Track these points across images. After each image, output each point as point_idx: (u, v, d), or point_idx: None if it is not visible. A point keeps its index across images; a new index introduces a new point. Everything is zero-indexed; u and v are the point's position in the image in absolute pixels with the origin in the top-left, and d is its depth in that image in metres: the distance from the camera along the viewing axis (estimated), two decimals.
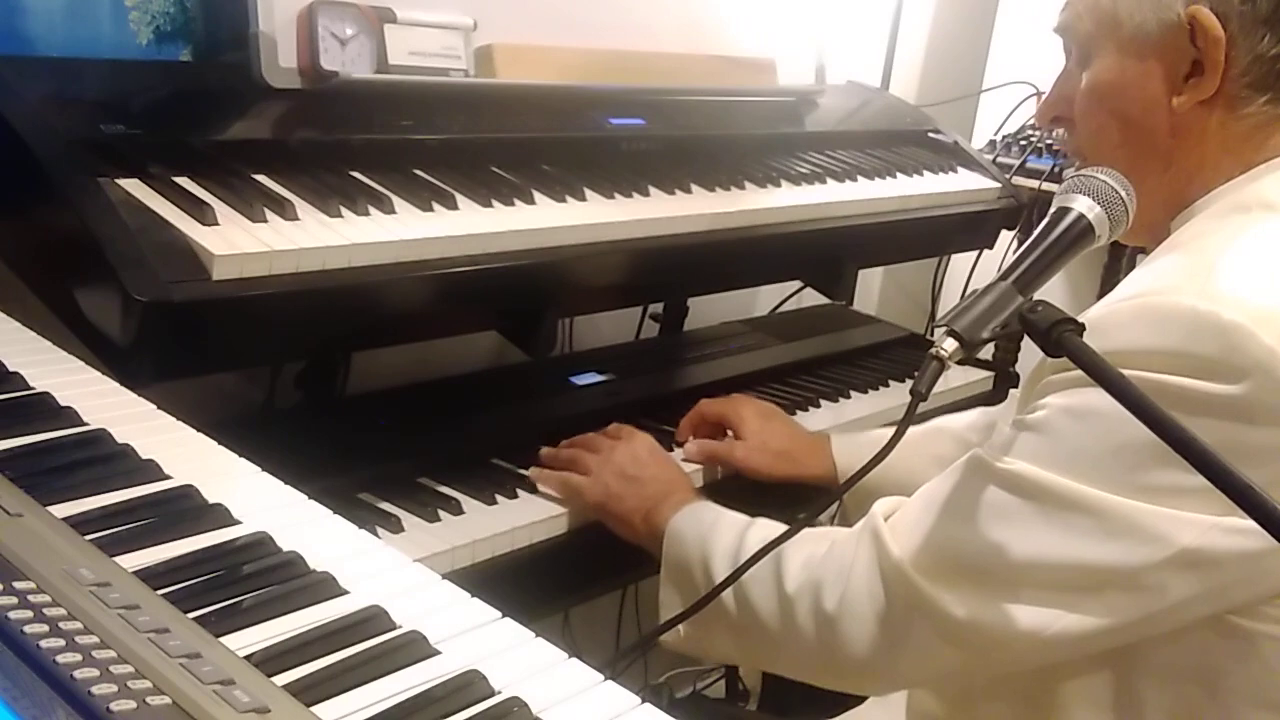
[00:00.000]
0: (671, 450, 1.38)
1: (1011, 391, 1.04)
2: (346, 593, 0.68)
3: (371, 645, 0.63)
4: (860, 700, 1.35)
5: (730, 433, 1.41)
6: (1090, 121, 1.02)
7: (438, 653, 0.64)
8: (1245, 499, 0.72)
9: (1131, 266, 1.06)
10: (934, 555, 0.94)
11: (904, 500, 1.01)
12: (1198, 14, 0.93)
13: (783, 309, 2.16)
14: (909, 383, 1.00)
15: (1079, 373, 0.84)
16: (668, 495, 1.19)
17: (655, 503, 1.19)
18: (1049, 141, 2.09)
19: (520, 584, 1.15)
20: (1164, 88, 0.97)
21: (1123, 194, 0.92)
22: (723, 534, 1.10)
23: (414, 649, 0.64)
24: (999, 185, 1.88)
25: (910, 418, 0.89)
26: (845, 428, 1.54)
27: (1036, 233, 0.92)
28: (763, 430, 1.38)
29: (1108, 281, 2.23)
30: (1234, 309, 0.84)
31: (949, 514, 0.94)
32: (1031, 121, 2.18)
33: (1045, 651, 0.92)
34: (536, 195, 1.25)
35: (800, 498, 1.36)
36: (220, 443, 0.83)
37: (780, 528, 1.04)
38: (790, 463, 1.37)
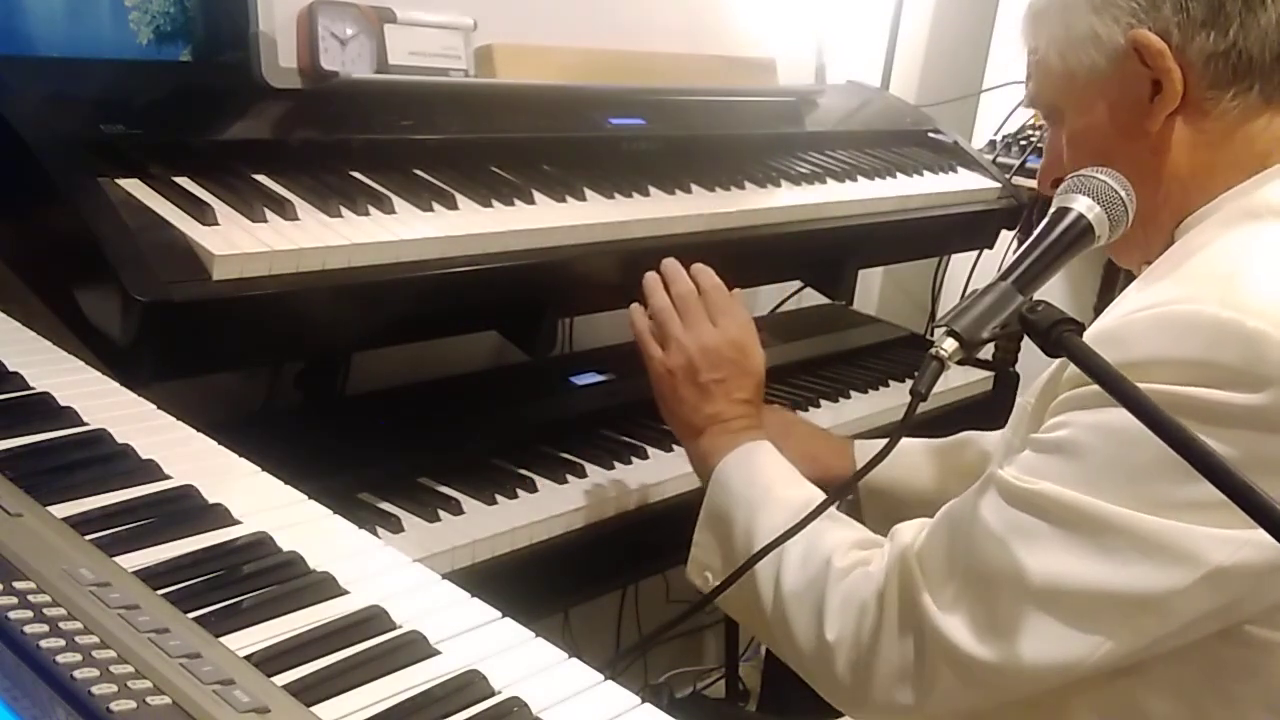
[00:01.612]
0: (672, 450, 1.38)
1: (1019, 400, 1.02)
2: (346, 593, 0.68)
3: (371, 645, 0.63)
4: None
5: None
6: (1080, 169, 1.03)
7: (438, 653, 0.64)
8: (1246, 500, 0.71)
9: None
10: (960, 586, 0.92)
11: (926, 523, 0.98)
12: (1138, 37, 0.95)
13: (783, 309, 2.16)
14: (909, 383, 1.00)
15: (1097, 388, 0.83)
16: (728, 420, 1.16)
17: (716, 424, 1.16)
18: None
19: (520, 584, 1.15)
20: (1134, 115, 0.97)
21: (1122, 194, 0.92)
22: (770, 512, 1.07)
23: (414, 649, 0.64)
24: (999, 185, 1.87)
25: (910, 417, 0.89)
26: (845, 428, 1.54)
27: (1036, 233, 0.92)
28: (783, 445, 1.33)
29: (1108, 281, 2.23)
30: (1257, 317, 0.82)
31: (973, 540, 0.92)
32: (1032, 121, 2.18)
33: (1072, 676, 0.91)
34: (536, 195, 1.25)
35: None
36: (220, 443, 0.83)
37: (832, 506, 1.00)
38: (812, 464, 1.35)
